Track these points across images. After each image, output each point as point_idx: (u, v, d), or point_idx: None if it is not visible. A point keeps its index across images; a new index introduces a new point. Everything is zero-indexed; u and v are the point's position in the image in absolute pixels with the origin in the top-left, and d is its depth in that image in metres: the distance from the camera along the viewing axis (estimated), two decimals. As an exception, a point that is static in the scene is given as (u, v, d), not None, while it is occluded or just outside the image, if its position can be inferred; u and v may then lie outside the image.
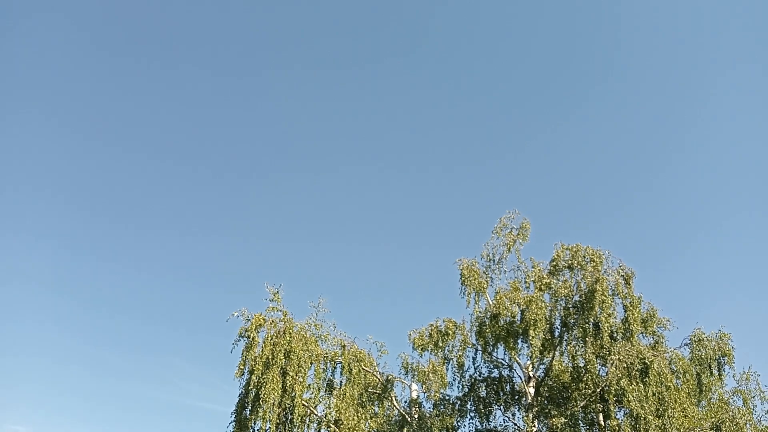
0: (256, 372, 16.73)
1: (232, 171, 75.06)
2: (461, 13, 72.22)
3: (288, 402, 16.85)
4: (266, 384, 16.47)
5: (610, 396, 16.26)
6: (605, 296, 16.85)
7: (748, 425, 16.76)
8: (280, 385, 16.73)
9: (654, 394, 15.51)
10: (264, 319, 17.82)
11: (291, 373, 16.93)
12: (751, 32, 60.34)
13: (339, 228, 72.29)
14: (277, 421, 16.75)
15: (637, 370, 15.78)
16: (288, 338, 17.38)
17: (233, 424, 17.07)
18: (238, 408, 17.14)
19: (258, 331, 17.59)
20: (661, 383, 15.63)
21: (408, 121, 75.90)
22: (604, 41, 70.01)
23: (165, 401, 53.37)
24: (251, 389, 16.65)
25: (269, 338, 17.34)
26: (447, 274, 19.74)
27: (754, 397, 18.43)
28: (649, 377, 15.60)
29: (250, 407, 16.72)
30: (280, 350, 17.07)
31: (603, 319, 16.54)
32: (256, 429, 16.44)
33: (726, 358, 17.71)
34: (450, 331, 19.47)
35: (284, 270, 64.08)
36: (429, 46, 76.09)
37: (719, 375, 17.67)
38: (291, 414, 16.90)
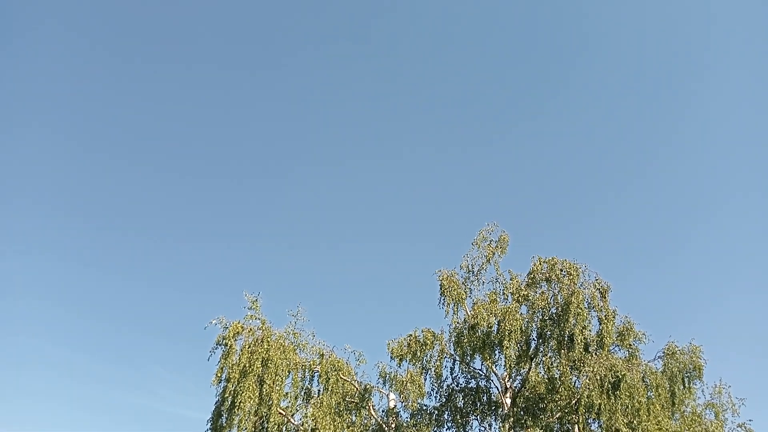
0: (232, 380, 16.77)
1: (212, 178, 74.78)
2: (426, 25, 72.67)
3: (264, 410, 16.85)
4: (242, 392, 16.51)
5: (584, 408, 16.41)
6: (581, 308, 17.01)
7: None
8: (257, 393, 16.78)
9: (626, 407, 15.68)
10: (242, 327, 17.87)
11: (268, 382, 16.96)
12: (723, 35, 61.19)
13: (319, 235, 72.28)
14: (253, 429, 16.76)
15: (609, 383, 15.94)
16: (266, 346, 17.44)
17: (209, 431, 17.07)
18: (214, 415, 17.17)
19: (236, 339, 17.63)
20: (633, 396, 15.80)
21: (390, 123, 76.07)
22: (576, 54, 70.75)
23: (142, 407, 52.81)
24: (227, 397, 16.70)
25: (247, 346, 17.39)
26: (427, 283, 19.85)
27: (725, 410, 18.70)
28: (620, 390, 15.77)
29: (226, 415, 16.74)
30: (257, 358, 17.12)
31: (577, 331, 16.69)
32: (231, 437, 16.45)
33: (696, 371, 17.89)
34: (428, 341, 19.58)
35: (264, 277, 63.83)
36: (414, 60, 76.49)
37: (688, 388, 17.85)
38: (267, 422, 16.88)
